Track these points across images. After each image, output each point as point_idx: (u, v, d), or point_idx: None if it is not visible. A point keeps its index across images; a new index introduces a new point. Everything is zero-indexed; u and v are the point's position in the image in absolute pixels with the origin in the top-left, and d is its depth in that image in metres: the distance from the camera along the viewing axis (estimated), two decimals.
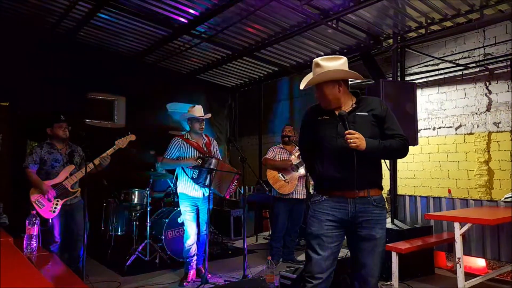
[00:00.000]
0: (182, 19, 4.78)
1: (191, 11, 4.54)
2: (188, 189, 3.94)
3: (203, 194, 3.94)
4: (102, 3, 4.34)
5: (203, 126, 4.11)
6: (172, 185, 5.22)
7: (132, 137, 3.90)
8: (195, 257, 3.95)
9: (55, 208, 3.54)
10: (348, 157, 2.01)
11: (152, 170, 4.92)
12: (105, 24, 5.05)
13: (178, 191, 4.04)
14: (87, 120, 5.77)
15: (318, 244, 2.08)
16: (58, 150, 3.74)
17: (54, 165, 3.68)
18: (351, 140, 1.96)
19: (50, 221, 3.54)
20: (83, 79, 5.61)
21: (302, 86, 2.20)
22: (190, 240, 3.91)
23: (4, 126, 5.30)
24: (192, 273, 3.90)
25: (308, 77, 2.19)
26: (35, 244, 2.45)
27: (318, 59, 2.15)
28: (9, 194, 4.96)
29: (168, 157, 3.96)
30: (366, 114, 2.12)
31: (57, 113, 3.83)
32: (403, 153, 2.15)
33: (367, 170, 2.05)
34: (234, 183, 4.00)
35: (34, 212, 2.55)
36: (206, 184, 3.82)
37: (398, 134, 2.10)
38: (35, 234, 2.46)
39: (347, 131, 1.97)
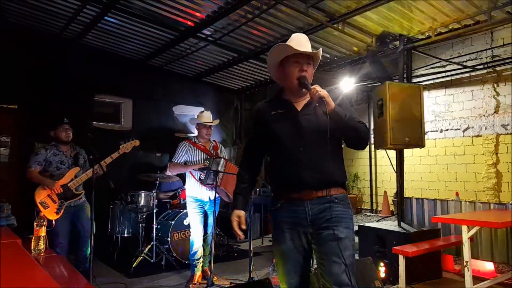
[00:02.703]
0: (189, 22, 4.81)
1: (197, 14, 4.57)
2: (196, 191, 3.95)
3: (210, 197, 3.96)
4: (110, 7, 4.38)
5: (211, 132, 4.14)
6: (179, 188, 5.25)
7: (136, 143, 3.94)
8: (201, 259, 3.96)
9: (59, 209, 3.57)
10: (308, 155, 1.82)
11: (158, 172, 4.95)
12: (112, 27, 5.10)
13: (186, 193, 4.06)
14: (94, 122, 5.82)
15: (283, 257, 1.85)
16: (63, 152, 3.78)
17: (60, 167, 3.72)
18: (320, 92, 1.75)
19: (54, 223, 3.57)
20: (90, 81, 5.67)
21: (307, 49, 1.90)
22: (197, 243, 3.92)
23: (12, 128, 5.36)
24: (198, 275, 3.91)
25: (292, 44, 1.91)
26: (42, 246, 2.47)
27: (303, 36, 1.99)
28: (18, 196, 5.01)
29: (176, 161, 3.99)
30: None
31: (61, 115, 3.87)
32: (365, 136, 1.90)
33: (329, 169, 1.83)
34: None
35: (42, 214, 2.58)
36: (213, 185, 3.83)
37: (358, 120, 1.88)
38: (43, 235, 2.48)
39: (313, 86, 1.79)
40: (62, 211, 3.58)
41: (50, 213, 3.54)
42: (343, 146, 1.99)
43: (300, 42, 1.94)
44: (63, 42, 5.54)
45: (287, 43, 1.93)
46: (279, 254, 1.88)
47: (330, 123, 1.78)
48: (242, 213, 1.97)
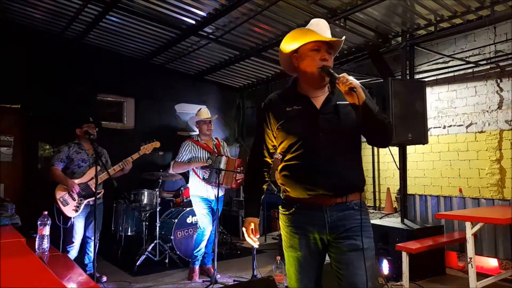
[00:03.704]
0: (190, 20, 4.80)
1: (199, 12, 4.56)
2: (202, 191, 3.98)
3: (215, 196, 3.98)
4: (111, 6, 4.37)
5: (211, 128, 4.16)
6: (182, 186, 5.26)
7: (157, 144, 4.00)
8: (203, 254, 4.03)
9: (78, 207, 3.60)
10: (328, 158, 1.67)
11: (161, 170, 4.96)
12: (113, 26, 5.10)
13: (191, 193, 4.08)
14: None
15: (298, 265, 1.74)
16: (85, 151, 3.82)
17: (81, 165, 3.75)
18: (352, 81, 1.55)
19: (72, 220, 3.60)
20: (93, 81, 5.68)
21: (326, 36, 1.69)
22: (205, 242, 3.97)
23: (16, 128, 5.39)
24: (197, 269, 4.00)
25: (315, 27, 1.72)
26: (47, 244, 2.48)
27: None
28: (21, 195, 5.04)
29: (180, 160, 4.01)
30: (347, 102, 1.67)
31: (86, 115, 3.96)
32: (391, 132, 1.77)
33: (349, 173, 1.72)
34: (238, 172, 4.00)
35: (45, 212, 2.59)
36: (218, 183, 3.86)
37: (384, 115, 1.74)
38: (46, 234, 2.49)
39: (341, 75, 1.59)
40: (81, 209, 3.62)
41: (69, 210, 3.57)
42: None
43: (321, 28, 1.73)
44: (65, 41, 5.54)
45: (307, 27, 1.73)
46: (292, 261, 1.76)
47: (358, 116, 1.63)
48: (256, 220, 1.85)
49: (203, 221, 3.96)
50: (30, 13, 4.91)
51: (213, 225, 4.02)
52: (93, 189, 3.65)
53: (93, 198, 3.65)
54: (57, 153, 3.76)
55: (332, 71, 1.65)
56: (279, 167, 1.83)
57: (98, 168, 3.73)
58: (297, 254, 1.74)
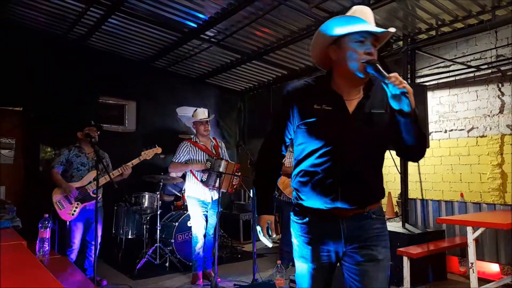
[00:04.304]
0: (192, 24, 4.82)
1: (201, 15, 4.58)
2: (198, 192, 3.97)
3: (212, 198, 3.97)
4: (114, 9, 4.39)
5: (209, 128, 4.16)
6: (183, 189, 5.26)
7: (159, 150, 4.00)
8: (203, 259, 4.00)
9: (74, 211, 3.59)
10: (354, 168, 1.52)
11: (162, 173, 4.96)
12: (115, 29, 5.12)
13: (187, 194, 4.07)
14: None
15: (308, 276, 1.62)
16: (85, 154, 3.82)
17: (80, 169, 3.75)
18: (406, 85, 1.33)
19: (68, 224, 3.60)
20: (94, 83, 5.69)
21: (372, 28, 1.48)
22: (200, 244, 3.94)
23: (17, 130, 5.40)
24: (200, 274, 3.96)
25: (360, 13, 1.51)
26: (47, 247, 2.49)
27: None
28: (23, 198, 5.04)
29: (177, 161, 4.00)
30: (383, 111, 1.53)
31: (87, 118, 3.96)
32: (426, 145, 1.61)
33: (373, 185, 1.60)
34: (235, 177, 4.00)
35: (46, 215, 2.59)
36: (215, 186, 3.85)
37: None
38: (47, 237, 2.50)
39: (391, 74, 1.35)
40: (77, 212, 3.61)
41: (65, 213, 3.57)
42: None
43: (366, 17, 1.50)
44: (68, 44, 5.56)
45: (350, 14, 1.52)
46: (303, 271, 1.65)
47: (394, 125, 1.46)
48: (272, 218, 1.70)
49: (197, 224, 3.95)
50: (33, 16, 4.94)
51: (212, 229, 4.02)
52: (91, 193, 3.65)
53: (91, 202, 3.65)
54: (58, 156, 3.77)
55: (380, 68, 1.41)
56: (294, 169, 1.68)
57: (97, 172, 3.74)
58: (308, 265, 1.63)
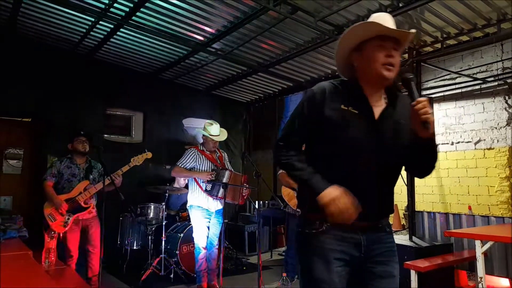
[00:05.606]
0: (199, 37, 4.89)
1: (208, 29, 4.64)
2: (201, 201, 3.97)
3: (216, 208, 3.97)
4: (124, 23, 4.48)
5: (217, 145, 4.16)
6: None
7: (149, 155, 3.97)
8: (206, 269, 3.97)
9: (66, 222, 3.59)
10: (375, 179, 1.46)
11: (167, 184, 4.97)
12: (124, 42, 5.20)
13: (190, 203, 4.05)
14: (105, 135, 5.90)
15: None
16: (77, 165, 3.83)
17: (71, 180, 3.76)
18: (430, 114, 1.34)
19: (62, 235, 3.59)
20: (102, 95, 5.77)
21: (390, 25, 1.47)
22: (203, 254, 3.93)
23: (26, 141, 5.47)
24: (205, 286, 3.93)
25: (380, 19, 1.49)
26: (53, 258, 2.49)
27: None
28: (30, 208, 5.07)
29: (182, 166, 3.99)
30: (407, 123, 1.49)
31: (75, 128, 3.94)
32: (435, 165, 1.56)
33: (390, 197, 1.57)
34: (245, 188, 3.99)
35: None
36: (219, 196, 3.85)
37: None
38: (53, 247, 2.50)
39: (420, 99, 1.35)
40: (69, 224, 3.61)
41: (57, 226, 3.56)
42: None
43: (387, 24, 1.49)
44: (76, 56, 5.66)
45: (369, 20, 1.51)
46: (320, 285, 1.49)
47: (414, 141, 1.44)
48: (339, 188, 1.40)
49: (199, 233, 3.93)
50: (43, 29, 5.04)
51: (215, 239, 4.00)
52: (82, 203, 3.65)
53: (83, 213, 3.67)
54: (50, 168, 3.78)
55: (413, 86, 1.41)
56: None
57: (87, 182, 3.74)
58: (325, 277, 1.48)
